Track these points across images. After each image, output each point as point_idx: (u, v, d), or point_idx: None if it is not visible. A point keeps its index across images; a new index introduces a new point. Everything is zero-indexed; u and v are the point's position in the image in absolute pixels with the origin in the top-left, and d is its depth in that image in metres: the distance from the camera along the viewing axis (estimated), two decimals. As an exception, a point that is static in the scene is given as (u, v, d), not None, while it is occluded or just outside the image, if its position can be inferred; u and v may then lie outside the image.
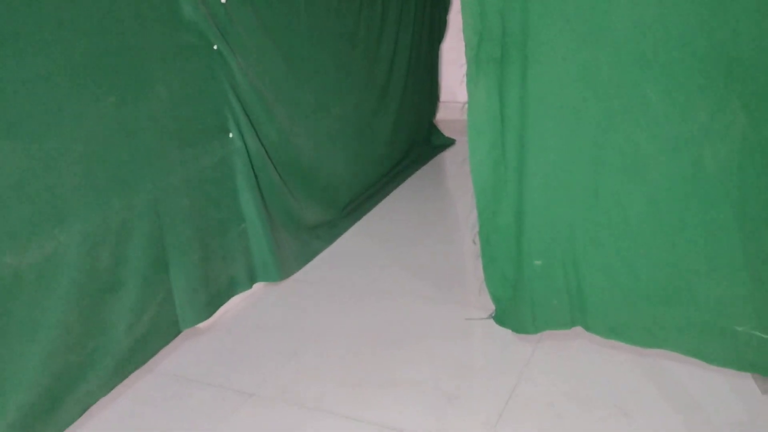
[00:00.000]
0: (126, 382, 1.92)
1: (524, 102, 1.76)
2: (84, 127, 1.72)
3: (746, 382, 1.76)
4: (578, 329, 1.98)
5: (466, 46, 1.77)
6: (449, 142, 3.94)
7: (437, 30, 3.77)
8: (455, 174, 3.57)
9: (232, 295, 2.30)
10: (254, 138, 2.26)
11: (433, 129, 3.92)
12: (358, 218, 2.95)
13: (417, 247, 2.67)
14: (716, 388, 1.75)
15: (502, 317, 2.06)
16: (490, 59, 1.76)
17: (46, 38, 1.59)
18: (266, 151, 2.33)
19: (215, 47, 2.06)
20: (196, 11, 1.98)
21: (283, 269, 2.43)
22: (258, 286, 2.41)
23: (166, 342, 2.08)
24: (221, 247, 2.21)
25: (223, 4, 2.06)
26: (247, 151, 2.24)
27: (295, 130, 2.47)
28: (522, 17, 1.68)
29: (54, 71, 1.62)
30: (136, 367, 1.97)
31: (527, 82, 1.74)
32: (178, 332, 2.11)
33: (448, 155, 3.83)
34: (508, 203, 1.90)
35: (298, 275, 2.51)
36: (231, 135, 2.20)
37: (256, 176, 2.28)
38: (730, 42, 1.52)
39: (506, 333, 2.04)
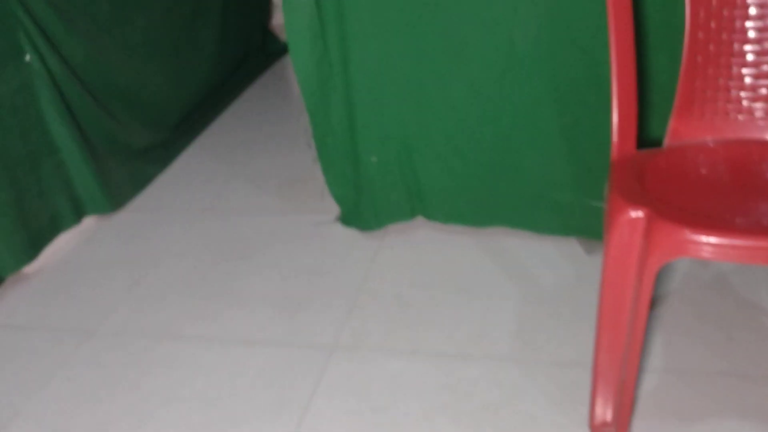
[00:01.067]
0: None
1: (342, 6, 1.70)
2: None
3: (573, 245, 1.88)
4: (420, 220, 2.03)
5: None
6: (287, 48, 3.77)
7: None
8: (294, 81, 3.47)
9: (58, 233, 2.13)
10: (56, 58, 2.03)
11: (267, 34, 3.74)
12: (194, 137, 2.79)
13: (257, 160, 2.59)
14: (546, 255, 1.86)
15: (347, 217, 2.06)
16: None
17: None
18: (74, 72, 2.10)
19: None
20: None
21: (113, 199, 2.26)
22: (88, 220, 2.25)
23: None
24: (36, 182, 2.02)
25: None
26: (50, 74, 2.02)
27: (101, 45, 2.24)
28: None
29: None
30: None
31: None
32: (1, 280, 1.94)
33: (287, 61, 3.69)
34: (338, 101, 1.86)
35: (133, 203, 2.36)
36: (28, 57, 1.97)
37: (65, 101, 2.07)
38: None
39: (352, 232, 2.05)
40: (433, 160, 1.87)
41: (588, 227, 1.84)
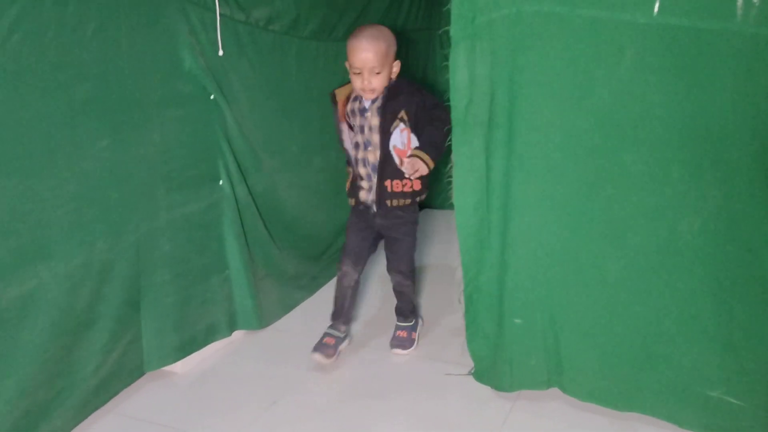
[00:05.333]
0: (87, 421, 1.90)
1: (509, 165, 1.82)
2: (77, 168, 1.75)
3: (719, 448, 1.77)
4: (555, 390, 1.99)
5: (452, 109, 1.84)
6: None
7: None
8: (443, 230, 3.62)
9: (210, 342, 2.29)
10: (243, 186, 2.29)
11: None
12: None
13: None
14: (689, 454, 1.76)
15: (481, 374, 2.07)
16: (477, 122, 1.83)
17: (48, 80, 1.63)
18: (254, 201, 2.36)
19: (212, 97, 2.12)
20: (195, 62, 2.03)
21: (263, 318, 2.43)
22: (237, 334, 2.40)
23: (129, 383, 2.06)
24: (202, 292, 2.21)
25: (220, 57, 2.13)
26: (236, 199, 2.27)
27: (281, 180, 2.51)
28: (509, 85, 1.76)
29: (53, 112, 1.66)
30: (99, 407, 1.95)
31: (513, 146, 1.80)
32: (142, 373, 2.10)
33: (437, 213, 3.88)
34: (491, 262, 1.93)
35: (279, 324, 2.51)
36: (221, 182, 2.24)
37: (242, 224, 2.31)
38: (706, 118, 1.60)
39: (485, 390, 2.05)
40: (578, 334, 1.87)
41: (736, 428, 1.74)
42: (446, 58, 3.67)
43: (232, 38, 2.18)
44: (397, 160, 2.16)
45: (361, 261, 2.30)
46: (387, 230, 2.26)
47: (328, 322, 2.32)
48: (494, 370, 2.02)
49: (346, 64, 2.13)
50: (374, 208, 2.22)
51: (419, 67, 3.61)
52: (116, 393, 2.01)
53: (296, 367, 2.23)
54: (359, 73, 2.08)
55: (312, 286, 2.77)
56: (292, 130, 2.57)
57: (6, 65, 1.53)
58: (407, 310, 2.37)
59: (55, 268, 1.72)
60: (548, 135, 1.76)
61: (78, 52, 1.70)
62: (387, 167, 2.17)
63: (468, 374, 2.12)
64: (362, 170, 2.21)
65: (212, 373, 2.20)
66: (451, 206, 3.79)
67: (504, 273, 1.91)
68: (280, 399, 2.05)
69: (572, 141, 1.74)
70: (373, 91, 2.11)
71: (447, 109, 1.88)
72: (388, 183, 2.18)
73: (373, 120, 2.15)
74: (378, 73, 2.08)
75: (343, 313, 2.32)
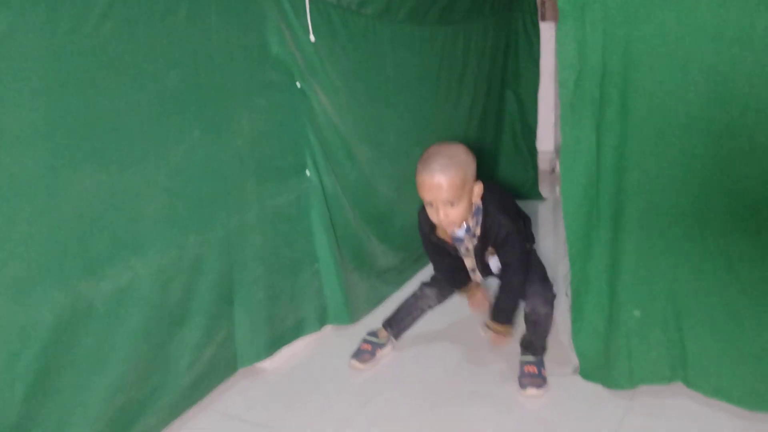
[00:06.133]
0: (181, 418, 1.86)
1: (623, 146, 1.67)
2: (169, 159, 1.70)
3: None
4: (675, 386, 1.83)
5: (560, 87, 1.70)
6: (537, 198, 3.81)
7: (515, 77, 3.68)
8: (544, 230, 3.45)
9: (299, 336, 2.23)
10: (331, 177, 2.21)
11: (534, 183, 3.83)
12: (427, 263, 2.85)
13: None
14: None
15: (589, 372, 1.93)
16: (587, 100, 1.68)
17: (140, 69, 1.59)
18: (342, 191, 2.27)
19: (298, 85, 2.04)
20: (285, 49, 1.96)
21: (354, 313, 2.35)
22: (327, 329, 2.33)
23: (223, 379, 2.01)
24: (291, 287, 2.15)
25: (312, 43, 2.05)
26: (323, 190, 2.20)
27: (376, 172, 2.42)
28: (623, 58, 1.61)
29: (144, 102, 1.62)
30: (193, 404, 1.91)
31: (626, 125, 1.65)
32: (235, 370, 2.05)
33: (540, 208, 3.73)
34: (601, 252, 1.79)
35: (367, 319, 2.42)
36: (308, 173, 2.17)
37: (331, 216, 2.23)
38: None
39: (596, 389, 1.90)
40: (706, 324, 1.70)
41: None
42: (529, 41, 3.57)
43: (323, 23, 2.10)
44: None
45: (448, 293, 2.23)
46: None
47: (417, 321, 2.24)
48: (606, 366, 1.87)
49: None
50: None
51: (499, 51, 3.45)
52: (210, 390, 1.97)
53: (387, 363, 2.14)
54: (432, 207, 1.85)
55: (399, 280, 2.68)
56: (388, 118, 2.48)
57: (98, 54, 1.49)
58: (538, 344, 2.03)
59: (149, 263, 1.68)
60: (668, 112, 1.60)
61: (168, 40, 1.65)
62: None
63: (573, 373, 1.98)
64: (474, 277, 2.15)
65: (302, 369, 2.13)
66: (537, 196, 3.74)
67: (617, 262, 1.76)
68: (374, 397, 1.96)
69: (698, 119, 1.57)
70: (452, 224, 1.88)
71: (517, 239, 1.92)
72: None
73: (469, 244, 2.02)
74: (454, 205, 1.83)
75: (397, 326, 2.22)
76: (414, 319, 2.25)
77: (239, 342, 2.01)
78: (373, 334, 2.20)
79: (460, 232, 1.96)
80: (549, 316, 2.01)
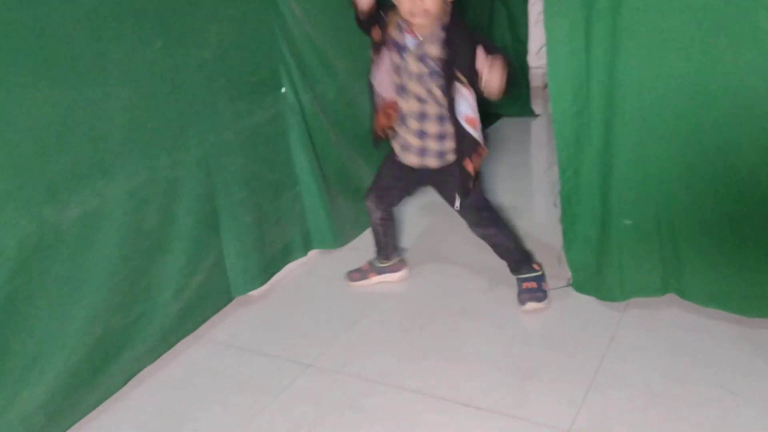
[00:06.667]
0: (175, 349, 1.81)
1: (615, 37, 1.55)
2: (130, 73, 1.58)
3: None
4: (670, 296, 1.78)
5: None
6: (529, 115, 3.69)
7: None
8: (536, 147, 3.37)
9: (287, 262, 2.17)
10: (308, 94, 2.10)
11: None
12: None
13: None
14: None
15: (582, 284, 1.87)
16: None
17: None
18: (322, 110, 2.16)
19: (268, -7, 1.91)
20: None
21: (339, 236, 2.28)
22: (313, 254, 2.27)
23: (218, 309, 1.96)
24: (275, 210, 2.08)
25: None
26: (302, 108, 2.08)
27: (357, 87, 2.29)
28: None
29: (98, 8, 1.48)
30: (185, 334, 1.86)
31: (619, 13, 1.52)
32: (230, 299, 1.99)
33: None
34: (592, 157, 1.70)
35: (355, 242, 2.36)
36: (284, 90, 2.05)
37: (311, 136, 2.13)
38: None
39: (589, 301, 1.85)
40: (701, 231, 1.63)
41: None
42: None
43: None
44: (473, 133, 1.74)
45: (386, 198, 1.98)
46: (437, 185, 1.90)
47: (406, 240, 2.15)
48: (599, 278, 1.81)
49: None
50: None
51: None
52: (205, 319, 1.91)
53: (375, 285, 2.09)
54: None
55: (388, 202, 2.59)
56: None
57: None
58: (517, 261, 1.94)
59: (117, 186, 1.59)
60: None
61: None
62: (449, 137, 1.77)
63: (566, 286, 1.92)
64: (413, 124, 1.80)
65: (291, 294, 2.08)
66: (530, 113, 3.63)
67: (609, 168, 1.68)
68: (362, 318, 1.91)
69: (695, 6, 1.45)
70: (425, 14, 1.65)
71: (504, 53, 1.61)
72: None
73: (412, 65, 1.73)
74: None
75: (381, 249, 2.08)
76: (388, 239, 2.08)
77: (231, 269, 1.95)
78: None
79: (411, 41, 1.72)
80: (503, 234, 1.92)
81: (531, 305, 1.86)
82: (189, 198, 1.78)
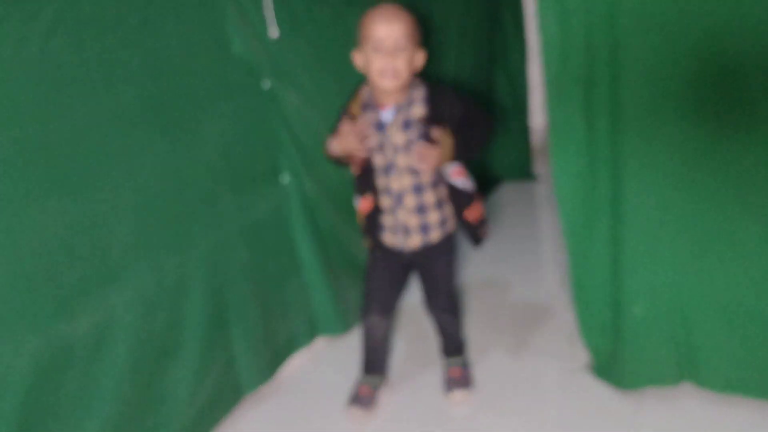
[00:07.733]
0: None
1: (616, 127, 1.57)
2: (135, 178, 1.57)
3: None
4: (687, 386, 1.74)
5: (545, 66, 1.59)
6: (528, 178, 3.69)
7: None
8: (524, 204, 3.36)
9: (292, 352, 2.12)
10: (310, 179, 2.09)
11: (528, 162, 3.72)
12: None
13: (492, 291, 2.45)
14: None
15: (601, 369, 1.84)
16: (574, 79, 1.57)
17: (93, 84, 1.46)
18: (325, 195, 2.16)
19: (266, 85, 1.92)
20: (247, 47, 1.84)
21: (346, 321, 2.24)
22: (318, 340, 2.23)
23: (229, 409, 1.90)
24: (281, 301, 2.05)
25: (274, 39, 1.92)
26: (303, 195, 2.08)
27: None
28: (610, 31, 1.49)
29: (102, 119, 1.49)
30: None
31: (619, 104, 1.54)
32: (241, 397, 1.93)
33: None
34: (602, 241, 1.69)
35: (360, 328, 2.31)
36: (284, 178, 2.05)
37: (314, 221, 2.12)
38: None
39: (605, 388, 1.81)
40: (714, 318, 1.61)
41: None
42: (515, 14, 3.43)
43: (286, 16, 1.96)
44: (466, 183, 1.76)
45: (390, 307, 1.89)
46: (420, 265, 1.85)
47: (415, 322, 2.09)
48: (615, 364, 1.77)
49: (354, 55, 1.73)
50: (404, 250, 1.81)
51: (483, 26, 3.31)
52: (217, 422, 1.85)
53: (390, 375, 2.04)
54: (379, 52, 1.63)
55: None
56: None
57: (47, 71, 1.37)
58: (454, 347, 1.97)
59: (126, 292, 1.56)
60: (662, 85, 1.50)
61: (121, 49, 1.53)
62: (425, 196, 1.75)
63: (585, 370, 1.87)
64: (386, 201, 1.77)
65: (300, 387, 2.02)
66: (531, 177, 3.62)
67: (618, 252, 1.66)
68: (375, 412, 1.86)
69: (695, 90, 1.47)
70: (396, 75, 1.63)
71: (488, 113, 1.67)
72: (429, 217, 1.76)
73: (397, 137, 1.70)
74: (403, 53, 1.62)
75: (376, 365, 1.95)
76: (384, 352, 1.98)
77: (241, 366, 1.90)
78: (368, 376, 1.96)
79: (387, 115, 1.69)
80: (457, 324, 1.95)
81: (457, 393, 1.86)
82: (197, 296, 1.75)
